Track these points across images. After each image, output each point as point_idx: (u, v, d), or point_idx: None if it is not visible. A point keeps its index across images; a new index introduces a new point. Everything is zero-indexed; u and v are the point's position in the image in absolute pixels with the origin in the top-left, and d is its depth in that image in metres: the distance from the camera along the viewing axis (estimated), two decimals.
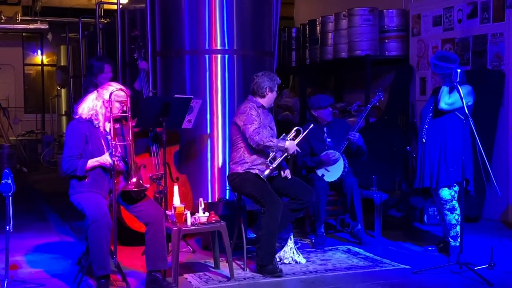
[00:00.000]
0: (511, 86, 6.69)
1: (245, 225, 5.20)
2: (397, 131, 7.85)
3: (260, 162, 5.03)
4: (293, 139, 5.14)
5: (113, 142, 4.39)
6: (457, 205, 5.17)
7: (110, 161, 4.38)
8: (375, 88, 6.22)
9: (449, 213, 5.19)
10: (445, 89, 5.12)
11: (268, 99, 5.14)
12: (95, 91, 4.59)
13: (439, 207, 5.37)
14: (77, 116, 4.52)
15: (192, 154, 6.17)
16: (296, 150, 5.08)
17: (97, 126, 4.50)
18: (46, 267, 5.10)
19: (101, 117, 4.49)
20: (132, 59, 6.21)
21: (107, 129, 4.52)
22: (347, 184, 5.84)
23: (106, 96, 4.46)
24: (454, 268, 4.84)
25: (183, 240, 5.50)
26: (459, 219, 5.11)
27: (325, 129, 6.07)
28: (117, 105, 4.50)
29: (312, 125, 5.40)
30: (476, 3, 7.06)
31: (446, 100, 5.08)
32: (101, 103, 4.49)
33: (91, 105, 4.51)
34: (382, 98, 6.12)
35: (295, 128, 5.17)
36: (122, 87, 4.58)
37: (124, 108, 4.49)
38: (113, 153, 4.38)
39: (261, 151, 5.03)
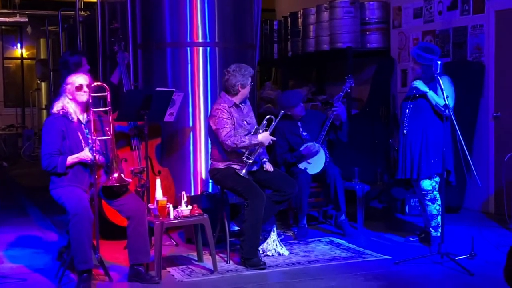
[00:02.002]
0: (491, 78, 6.74)
1: (228, 218, 5.20)
2: (379, 123, 7.89)
3: (239, 158, 5.00)
4: (266, 129, 5.10)
5: (94, 138, 4.36)
6: (438, 195, 5.22)
7: (91, 156, 4.35)
8: (345, 76, 6.20)
9: (430, 203, 5.23)
10: (432, 94, 5.13)
11: (241, 95, 5.05)
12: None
13: (420, 198, 5.41)
14: (52, 112, 4.50)
15: (174, 147, 6.15)
16: (271, 139, 5.05)
17: (72, 120, 4.47)
18: (27, 262, 5.07)
19: (71, 111, 4.46)
20: (113, 52, 6.16)
21: (82, 121, 4.48)
22: (330, 174, 5.86)
23: (71, 89, 4.45)
24: (436, 258, 4.89)
25: (166, 233, 5.49)
26: (440, 210, 5.15)
27: (299, 123, 6.08)
28: (81, 93, 4.46)
29: (283, 112, 5.36)
30: None
31: (442, 102, 5.02)
32: (68, 99, 4.48)
33: (60, 105, 4.50)
34: (353, 84, 6.14)
35: (266, 117, 5.12)
36: (82, 78, 4.53)
37: (88, 97, 4.44)
38: (93, 148, 4.35)
39: None
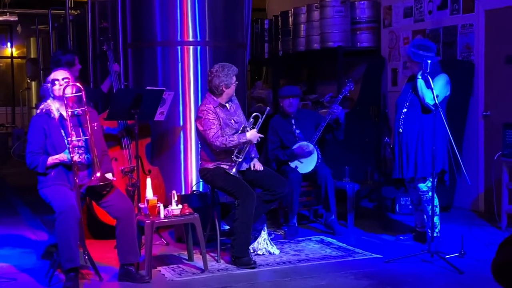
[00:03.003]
0: (481, 77, 6.77)
1: (218, 217, 5.20)
2: (369, 122, 7.91)
3: (228, 157, 5.00)
4: (253, 127, 5.09)
5: (69, 139, 4.36)
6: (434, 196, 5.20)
7: (69, 157, 4.34)
8: (346, 79, 6.24)
9: (426, 204, 5.21)
10: (421, 83, 5.09)
11: (226, 95, 5.01)
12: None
13: (416, 198, 5.38)
14: (37, 111, 4.51)
15: (165, 146, 6.15)
16: (259, 137, 5.05)
17: (53, 117, 4.46)
18: (17, 261, 5.05)
19: (53, 107, 4.46)
20: (103, 51, 6.15)
21: (65, 116, 4.46)
22: (321, 175, 5.86)
23: (49, 85, 4.47)
24: (426, 257, 4.91)
25: (157, 232, 5.48)
26: (437, 210, 5.16)
27: (292, 120, 6.09)
28: (56, 87, 4.46)
29: (268, 108, 5.37)
30: None
31: (431, 96, 4.99)
32: (50, 96, 4.47)
33: (47, 101, 4.51)
34: (352, 88, 6.14)
35: (253, 115, 5.12)
36: (61, 73, 4.53)
37: (69, 89, 4.44)
38: (70, 149, 4.34)
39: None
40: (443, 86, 5.11)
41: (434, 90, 4.92)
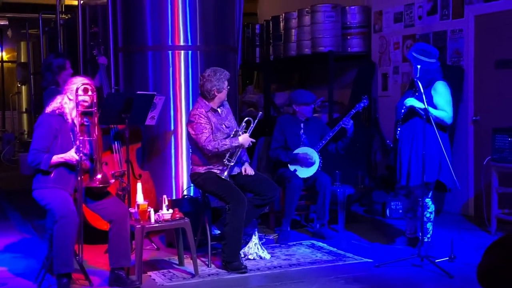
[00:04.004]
0: (470, 82, 6.81)
1: (209, 221, 5.20)
2: (360, 127, 7.92)
3: (219, 162, 5.00)
4: (245, 131, 5.09)
5: (81, 138, 4.34)
6: (430, 202, 5.19)
7: (77, 157, 4.32)
8: (362, 95, 6.10)
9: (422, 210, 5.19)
10: (431, 110, 4.92)
11: (218, 99, 5.01)
12: (61, 96, 4.53)
13: (414, 204, 5.33)
14: (47, 110, 4.46)
15: (156, 151, 6.14)
16: (251, 141, 5.05)
17: (67, 120, 4.43)
18: (7, 266, 5.02)
19: (68, 111, 4.42)
20: (93, 55, 6.14)
21: (76, 123, 4.46)
22: (322, 183, 5.85)
23: (73, 90, 4.40)
24: (416, 261, 4.92)
25: (147, 237, 5.47)
26: (431, 217, 5.18)
27: (302, 124, 6.08)
28: (83, 98, 4.44)
29: (261, 113, 5.38)
30: (436, 0, 7.17)
31: (434, 112, 4.93)
32: (66, 98, 4.43)
33: (55, 104, 4.45)
34: (366, 105, 6.06)
35: (245, 120, 5.12)
36: (87, 81, 4.52)
37: (90, 102, 4.44)
38: (80, 148, 4.32)
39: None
40: (445, 93, 5.04)
41: (438, 98, 4.91)
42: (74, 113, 4.42)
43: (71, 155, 4.33)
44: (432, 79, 5.07)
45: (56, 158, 4.34)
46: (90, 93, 4.42)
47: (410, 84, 5.43)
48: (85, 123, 4.46)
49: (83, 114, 4.43)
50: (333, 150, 6.07)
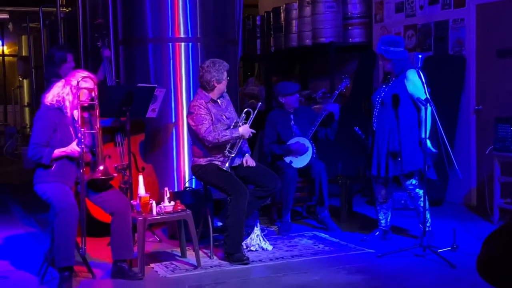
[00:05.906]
0: (472, 71, 6.79)
1: (211, 213, 5.20)
2: (361, 117, 7.90)
3: (220, 153, 4.99)
4: (245, 122, 5.09)
5: (82, 130, 4.33)
6: (421, 192, 5.19)
7: (78, 149, 4.31)
8: (342, 75, 6.20)
9: (416, 201, 5.21)
10: (414, 77, 4.98)
11: (218, 90, 5.00)
12: (62, 80, 4.52)
13: (381, 195, 5.39)
14: (45, 102, 4.45)
15: (157, 144, 6.14)
16: (251, 132, 5.05)
17: (66, 113, 4.42)
18: (10, 259, 5.04)
19: (68, 104, 4.41)
20: (94, 48, 6.14)
21: (75, 117, 4.45)
22: (316, 170, 5.86)
23: (74, 83, 4.39)
24: (418, 251, 4.92)
25: (149, 229, 5.48)
26: (425, 206, 5.17)
27: (291, 116, 6.08)
28: (85, 91, 4.43)
29: (260, 103, 5.37)
30: None
31: (423, 91, 4.90)
32: (69, 90, 4.41)
33: (56, 92, 4.43)
34: (348, 84, 6.12)
35: (244, 111, 5.12)
36: (89, 74, 4.51)
37: (92, 96, 4.43)
38: (82, 141, 4.32)
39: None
40: (417, 81, 5.00)
41: (411, 86, 4.93)
42: (70, 105, 4.41)
43: (73, 148, 4.33)
44: (404, 67, 5.07)
45: (58, 151, 4.34)
46: (91, 86, 4.41)
47: (383, 77, 5.43)
48: (85, 116, 4.46)
49: (84, 108, 4.42)
50: (323, 136, 6.06)
